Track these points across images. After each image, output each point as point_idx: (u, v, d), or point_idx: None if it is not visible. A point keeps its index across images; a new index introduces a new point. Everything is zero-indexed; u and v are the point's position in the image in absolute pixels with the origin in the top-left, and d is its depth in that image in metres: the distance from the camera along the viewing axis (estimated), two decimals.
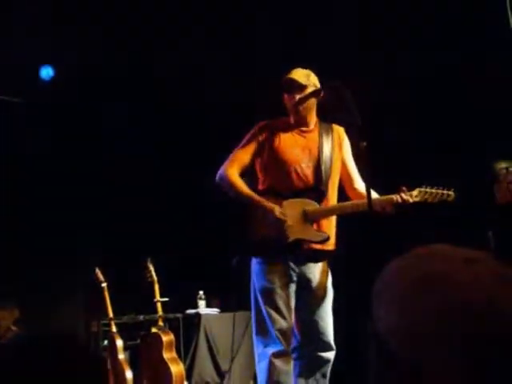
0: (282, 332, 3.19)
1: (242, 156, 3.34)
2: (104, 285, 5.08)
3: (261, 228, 3.22)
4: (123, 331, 5.17)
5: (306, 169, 3.28)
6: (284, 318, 3.20)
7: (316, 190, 3.25)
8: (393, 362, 0.80)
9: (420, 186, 3.19)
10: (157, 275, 5.01)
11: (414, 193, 3.18)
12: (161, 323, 4.91)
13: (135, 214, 5.87)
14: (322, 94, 3.32)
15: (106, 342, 5.18)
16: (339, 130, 3.44)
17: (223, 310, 5.66)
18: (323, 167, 3.27)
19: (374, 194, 3.14)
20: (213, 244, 5.30)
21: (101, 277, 5.10)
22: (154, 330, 4.89)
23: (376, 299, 0.85)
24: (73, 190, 5.77)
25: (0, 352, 1.16)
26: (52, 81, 5.84)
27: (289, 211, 3.20)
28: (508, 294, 0.78)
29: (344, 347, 3.63)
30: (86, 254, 5.77)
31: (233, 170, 3.32)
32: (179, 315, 5.49)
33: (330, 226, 3.30)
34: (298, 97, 3.26)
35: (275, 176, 3.30)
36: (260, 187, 3.35)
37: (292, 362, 3.24)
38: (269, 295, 3.21)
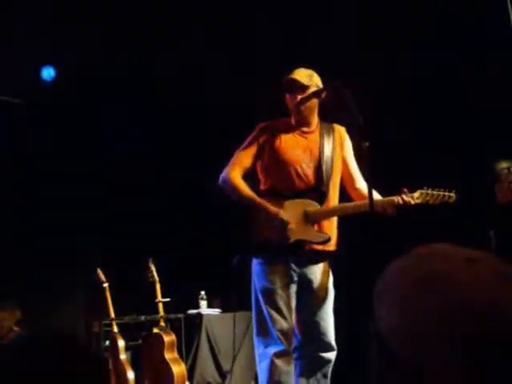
0: (283, 332, 3.19)
1: (244, 158, 3.34)
2: (105, 285, 5.08)
3: (264, 230, 3.22)
4: (125, 331, 5.17)
5: (307, 169, 3.27)
6: (285, 318, 3.20)
7: (317, 191, 3.25)
8: (394, 362, 0.80)
9: (421, 188, 3.17)
10: (158, 275, 5.00)
11: (416, 194, 3.17)
12: (162, 323, 4.90)
13: (136, 213, 5.86)
14: (324, 95, 3.31)
15: (107, 343, 5.18)
16: (340, 129, 3.44)
17: (224, 310, 5.66)
18: (324, 167, 3.27)
19: (376, 195, 3.13)
20: (214, 244, 5.30)
21: (102, 277, 5.10)
22: (155, 330, 4.89)
23: (377, 299, 0.85)
24: (73, 190, 5.76)
25: (2, 352, 1.16)
26: (52, 81, 5.84)
27: (290, 212, 3.20)
28: (509, 294, 0.78)
29: (345, 347, 3.64)
30: (87, 254, 5.76)
31: (235, 173, 3.32)
32: (181, 315, 5.48)
33: (331, 226, 3.30)
34: (299, 97, 3.25)
35: (276, 177, 3.30)
36: (261, 188, 3.35)
37: (293, 362, 3.24)
38: (270, 296, 3.21)
